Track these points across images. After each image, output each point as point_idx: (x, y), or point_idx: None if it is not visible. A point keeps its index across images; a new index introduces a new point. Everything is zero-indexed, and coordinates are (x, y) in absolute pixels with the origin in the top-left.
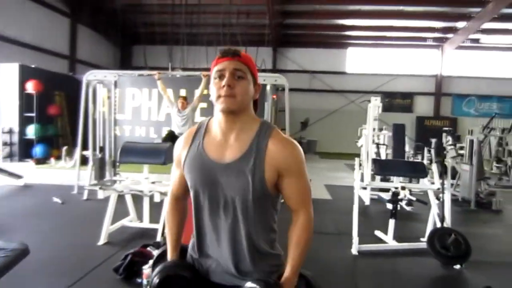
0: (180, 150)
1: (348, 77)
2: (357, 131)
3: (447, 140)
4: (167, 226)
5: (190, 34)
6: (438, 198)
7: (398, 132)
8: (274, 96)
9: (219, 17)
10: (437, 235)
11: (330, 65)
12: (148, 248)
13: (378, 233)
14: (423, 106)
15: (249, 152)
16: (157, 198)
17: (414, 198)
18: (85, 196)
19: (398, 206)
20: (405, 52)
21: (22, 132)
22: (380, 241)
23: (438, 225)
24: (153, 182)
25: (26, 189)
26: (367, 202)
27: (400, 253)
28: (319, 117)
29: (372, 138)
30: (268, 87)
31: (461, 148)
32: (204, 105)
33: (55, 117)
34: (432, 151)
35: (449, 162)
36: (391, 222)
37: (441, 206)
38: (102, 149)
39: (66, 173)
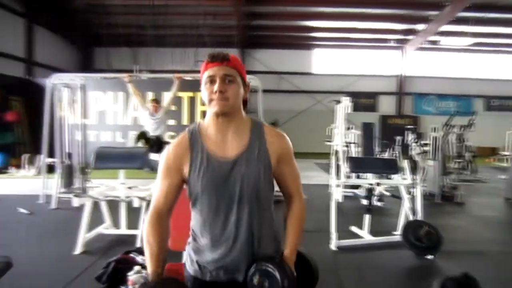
0: (179, 158)
1: (314, 78)
2: (325, 130)
3: (410, 137)
4: (148, 246)
5: (156, 36)
6: (409, 193)
7: (368, 130)
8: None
9: (186, 18)
10: (411, 228)
11: (297, 66)
12: (131, 254)
13: (354, 228)
14: (387, 105)
15: (252, 144)
16: (136, 204)
17: (388, 194)
18: (53, 205)
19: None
20: (368, 53)
21: None
22: (357, 236)
23: (411, 218)
24: (130, 187)
25: None
26: (340, 199)
27: (376, 246)
28: (288, 118)
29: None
30: None
31: (425, 145)
32: (173, 107)
33: (13, 124)
34: (398, 148)
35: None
36: (367, 217)
37: (413, 200)
38: (70, 156)
39: (29, 182)
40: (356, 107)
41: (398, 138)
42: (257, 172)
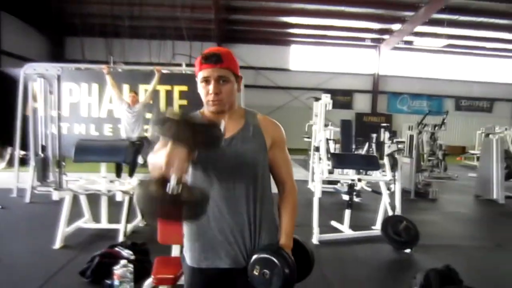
0: None
1: (292, 74)
2: (302, 126)
3: (386, 135)
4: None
5: (131, 27)
6: (389, 189)
7: (346, 128)
8: None
9: (163, 10)
10: (390, 223)
11: (275, 62)
12: (116, 249)
13: (334, 223)
14: (362, 103)
15: (246, 126)
16: (119, 198)
17: (369, 189)
18: (27, 199)
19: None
20: (345, 51)
21: None
22: (337, 230)
23: (390, 213)
24: (111, 181)
25: None
26: (319, 194)
27: (357, 240)
28: (265, 113)
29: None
30: None
31: (400, 142)
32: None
33: None
34: (373, 146)
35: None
36: (347, 212)
37: (392, 196)
38: (44, 148)
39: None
40: (332, 104)
41: (373, 135)
42: (253, 148)
